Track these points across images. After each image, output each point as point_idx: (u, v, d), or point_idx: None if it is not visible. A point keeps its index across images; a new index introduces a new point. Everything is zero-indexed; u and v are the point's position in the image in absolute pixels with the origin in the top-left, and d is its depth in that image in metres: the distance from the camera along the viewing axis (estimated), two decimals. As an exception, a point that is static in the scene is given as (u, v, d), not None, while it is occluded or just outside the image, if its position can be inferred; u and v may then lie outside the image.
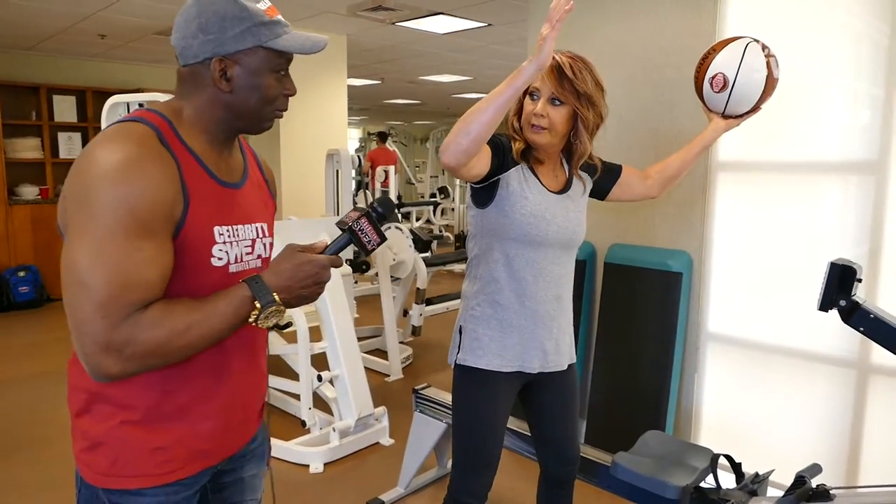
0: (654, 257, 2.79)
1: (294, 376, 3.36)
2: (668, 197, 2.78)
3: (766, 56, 1.88)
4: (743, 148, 2.61)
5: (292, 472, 2.96)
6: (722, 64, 1.89)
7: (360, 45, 6.14)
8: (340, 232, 1.19)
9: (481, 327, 1.70)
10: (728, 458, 2.19)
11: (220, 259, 1.11)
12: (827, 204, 2.48)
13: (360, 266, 4.46)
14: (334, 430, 3.12)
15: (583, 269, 3.04)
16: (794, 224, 2.50)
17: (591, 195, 1.85)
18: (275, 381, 3.56)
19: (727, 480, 2.18)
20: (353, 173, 4.91)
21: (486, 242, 1.69)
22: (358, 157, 5.18)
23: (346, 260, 4.09)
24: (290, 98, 1.16)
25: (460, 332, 1.75)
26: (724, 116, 1.97)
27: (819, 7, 2.40)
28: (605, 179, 1.84)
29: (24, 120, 6.61)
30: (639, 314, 2.84)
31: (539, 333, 1.71)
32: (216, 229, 1.10)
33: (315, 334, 3.31)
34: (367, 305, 5.77)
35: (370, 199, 8.52)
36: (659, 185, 1.96)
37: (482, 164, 1.52)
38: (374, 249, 1.21)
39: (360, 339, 3.76)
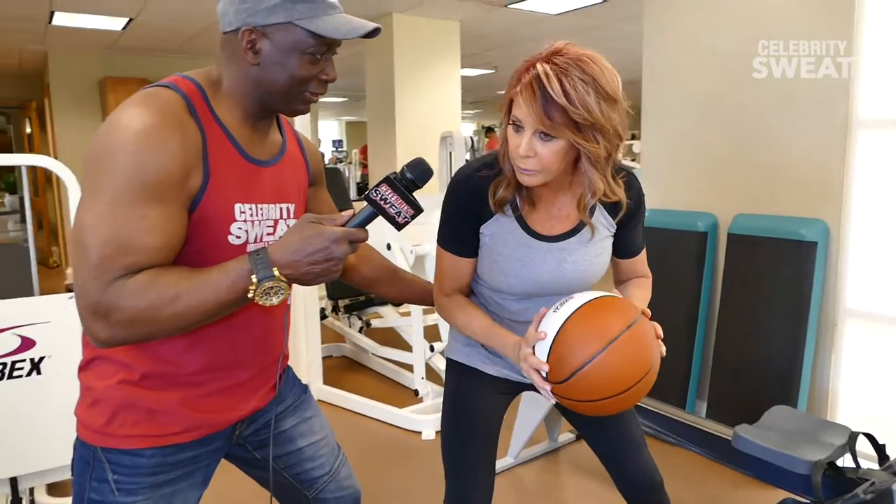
0: (785, 226, 2.59)
1: (407, 347, 3.48)
2: (802, 160, 2.57)
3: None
4: (889, 103, 2.36)
5: (406, 438, 3.03)
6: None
7: (472, 31, 6.17)
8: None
9: None
10: (869, 437, 1.99)
11: (238, 238, 1.05)
12: None
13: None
14: (446, 400, 3.17)
15: (704, 241, 2.88)
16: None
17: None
18: (388, 353, 3.70)
19: (867, 463, 1.99)
20: (467, 155, 4.95)
21: None
22: (471, 138, 5.19)
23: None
24: (327, 83, 1.08)
25: None
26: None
27: None
28: (620, 235, 1.37)
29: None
30: (767, 289, 2.65)
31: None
32: (237, 206, 1.05)
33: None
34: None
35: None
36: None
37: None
38: (407, 222, 1.04)
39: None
